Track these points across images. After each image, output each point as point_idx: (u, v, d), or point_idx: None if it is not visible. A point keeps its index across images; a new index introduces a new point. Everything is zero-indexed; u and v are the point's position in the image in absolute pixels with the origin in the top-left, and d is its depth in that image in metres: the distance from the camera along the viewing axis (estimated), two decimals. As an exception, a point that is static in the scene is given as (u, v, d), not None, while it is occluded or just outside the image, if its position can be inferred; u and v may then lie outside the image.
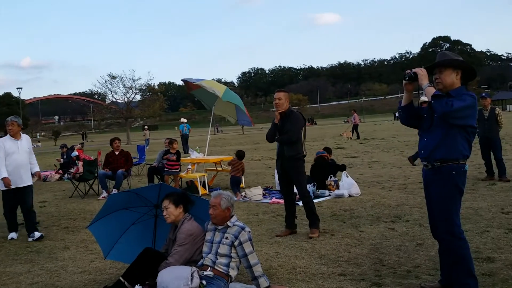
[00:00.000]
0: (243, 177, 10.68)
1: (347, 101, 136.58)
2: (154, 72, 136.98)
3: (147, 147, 32.43)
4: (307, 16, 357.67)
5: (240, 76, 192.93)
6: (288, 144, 6.23)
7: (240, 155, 10.35)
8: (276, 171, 10.05)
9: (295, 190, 6.50)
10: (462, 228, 3.85)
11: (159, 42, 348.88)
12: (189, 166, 11.58)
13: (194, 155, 11.90)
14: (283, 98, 6.26)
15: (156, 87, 65.17)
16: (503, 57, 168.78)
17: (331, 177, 9.47)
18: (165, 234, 4.72)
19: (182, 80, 12.57)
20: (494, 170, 9.89)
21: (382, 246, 5.49)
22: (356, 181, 9.41)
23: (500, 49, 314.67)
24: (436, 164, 3.79)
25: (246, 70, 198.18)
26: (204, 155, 12.20)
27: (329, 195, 8.96)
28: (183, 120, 28.76)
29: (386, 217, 6.95)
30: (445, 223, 3.78)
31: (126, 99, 51.34)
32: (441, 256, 4.06)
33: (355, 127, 29.71)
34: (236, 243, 4.14)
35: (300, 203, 6.57)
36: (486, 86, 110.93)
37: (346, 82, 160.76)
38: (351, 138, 28.47)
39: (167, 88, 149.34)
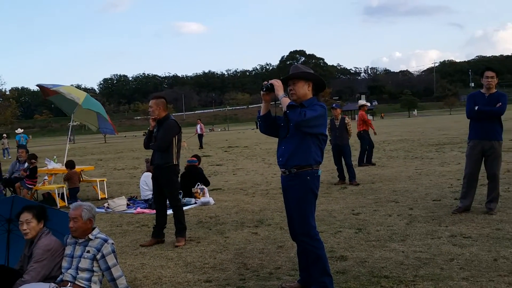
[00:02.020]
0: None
1: (211, 110, 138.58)
2: (6, 77, 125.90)
3: (9, 157, 29.62)
4: (172, 24, 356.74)
5: (102, 82, 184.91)
6: (158, 152, 6.22)
7: (71, 165, 10.36)
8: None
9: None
10: (317, 229, 4.11)
11: (11, 45, 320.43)
12: (46, 177, 10.82)
13: (51, 165, 11.13)
14: (154, 106, 6.24)
15: (7, 93, 60.49)
16: (352, 71, 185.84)
17: (198, 185, 9.54)
18: (20, 250, 4.36)
19: (37, 85, 11.74)
20: (345, 175, 10.75)
21: (246, 250, 5.68)
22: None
23: (349, 64, 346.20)
24: (292, 170, 4.00)
25: (108, 76, 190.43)
26: (63, 165, 11.49)
27: (195, 203, 9.02)
28: (19, 130, 27.10)
29: (250, 222, 7.20)
30: (302, 225, 4.01)
31: (-28, 105, 46.85)
32: (299, 256, 4.29)
33: (200, 136, 30.22)
34: (98, 256, 3.97)
35: (170, 211, 6.54)
36: (337, 98, 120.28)
37: (211, 91, 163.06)
38: (202, 147, 28.97)
39: (20, 94, 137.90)
